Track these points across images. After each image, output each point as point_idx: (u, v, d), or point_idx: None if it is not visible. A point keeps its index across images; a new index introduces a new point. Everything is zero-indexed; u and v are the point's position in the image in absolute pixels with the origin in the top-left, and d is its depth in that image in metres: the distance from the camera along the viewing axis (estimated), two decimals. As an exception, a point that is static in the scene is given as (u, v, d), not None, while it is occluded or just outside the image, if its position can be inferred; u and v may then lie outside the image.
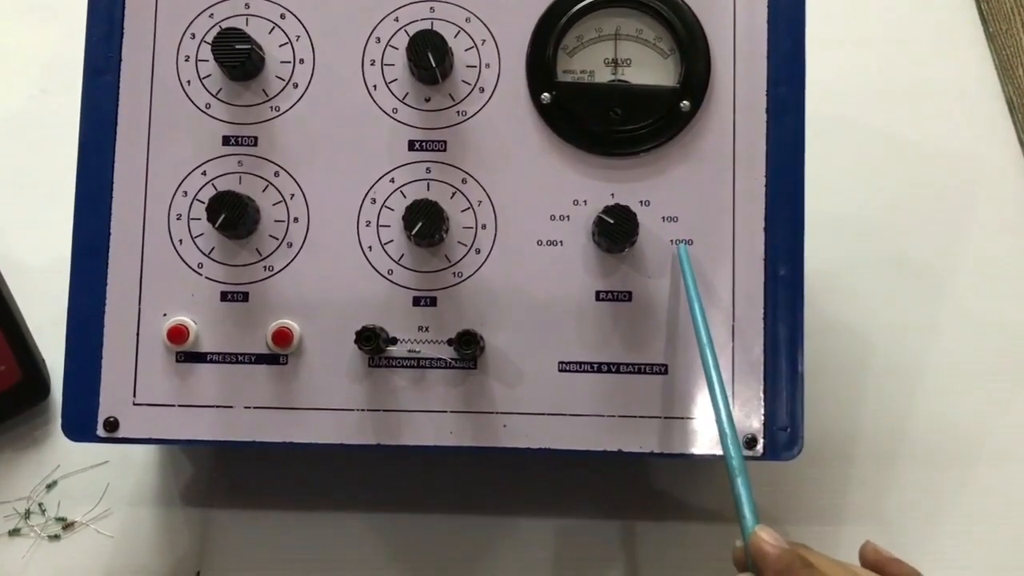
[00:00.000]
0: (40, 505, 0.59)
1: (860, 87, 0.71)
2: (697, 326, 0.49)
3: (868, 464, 0.61)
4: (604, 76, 0.55)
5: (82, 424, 0.53)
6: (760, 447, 0.52)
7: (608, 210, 0.51)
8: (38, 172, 0.71)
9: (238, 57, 0.52)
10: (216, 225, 0.51)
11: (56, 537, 0.58)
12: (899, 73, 0.72)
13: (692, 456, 0.52)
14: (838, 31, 0.71)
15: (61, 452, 0.61)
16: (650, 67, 0.55)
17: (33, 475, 0.60)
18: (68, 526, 0.59)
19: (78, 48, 0.76)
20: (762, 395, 0.52)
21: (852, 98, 0.71)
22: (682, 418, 0.53)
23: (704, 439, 0.52)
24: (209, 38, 0.54)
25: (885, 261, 0.66)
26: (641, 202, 0.53)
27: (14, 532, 0.58)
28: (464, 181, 0.54)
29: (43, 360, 0.62)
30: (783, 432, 0.52)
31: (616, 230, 0.51)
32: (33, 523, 0.59)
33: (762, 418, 0.52)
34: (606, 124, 0.53)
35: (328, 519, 0.59)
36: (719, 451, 0.52)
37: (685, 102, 0.53)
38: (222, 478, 0.60)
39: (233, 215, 0.51)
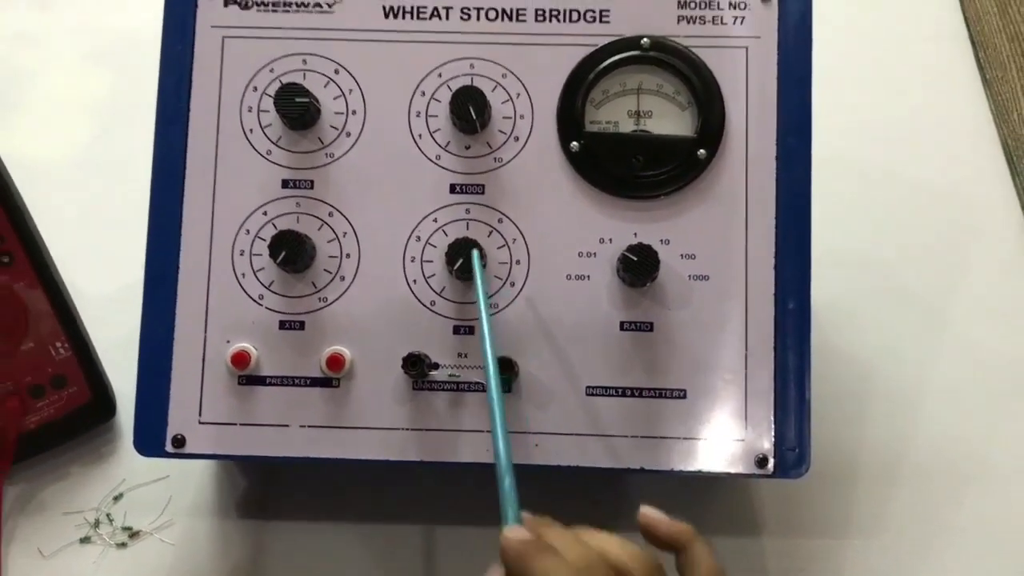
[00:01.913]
0: (108, 515, 0.64)
1: (863, 130, 0.76)
2: (483, 334, 0.51)
3: (871, 483, 0.65)
4: (627, 126, 0.60)
5: (152, 441, 0.58)
6: (771, 466, 0.57)
7: (632, 248, 0.57)
8: (102, 208, 0.77)
9: (298, 109, 0.58)
10: (277, 261, 0.56)
11: (123, 545, 0.63)
12: (900, 116, 0.78)
13: (709, 474, 0.57)
14: (843, 77, 0.76)
15: (126, 467, 0.66)
16: (670, 118, 0.60)
17: (100, 488, 0.66)
18: (134, 535, 0.64)
19: (135, 91, 0.83)
20: (772, 418, 0.57)
21: (856, 140, 0.76)
22: (699, 439, 0.57)
23: (720, 457, 0.57)
24: (270, 91, 0.60)
25: (886, 294, 0.71)
26: (661, 240, 0.58)
27: (85, 540, 0.63)
28: (500, 221, 0.59)
29: (109, 381, 0.67)
30: (792, 452, 0.57)
31: (639, 266, 0.56)
32: (102, 532, 0.64)
33: (772, 439, 0.57)
34: (629, 170, 0.59)
35: (372, 531, 0.64)
36: (734, 469, 0.57)
37: (702, 150, 0.59)
38: (274, 492, 0.65)
39: (293, 252, 0.56)
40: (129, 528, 0.64)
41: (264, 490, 0.66)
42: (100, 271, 0.73)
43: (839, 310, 0.70)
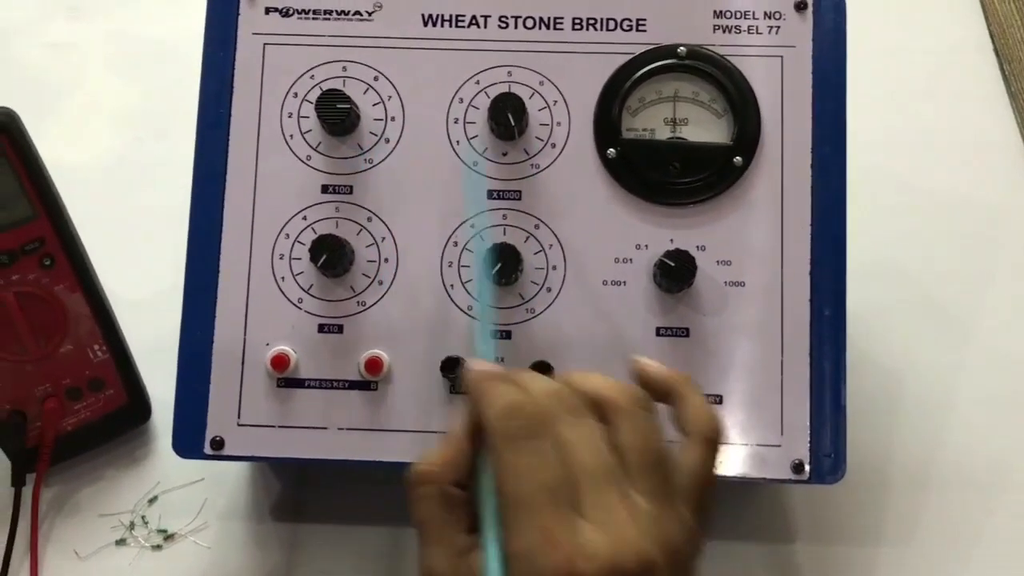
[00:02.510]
0: (143, 518, 0.65)
1: (889, 141, 0.77)
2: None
3: (902, 490, 0.66)
4: (664, 134, 0.60)
5: (191, 443, 0.58)
6: (807, 472, 0.57)
7: (669, 254, 0.57)
8: (134, 213, 0.77)
9: (339, 115, 0.58)
10: (318, 265, 0.57)
11: (159, 547, 0.64)
12: (927, 129, 0.78)
13: (745, 479, 0.57)
14: (868, 89, 0.76)
15: (160, 470, 0.66)
16: (705, 126, 0.60)
17: (136, 491, 0.66)
18: (169, 537, 0.64)
19: (166, 98, 0.84)
20: (809, 424, 0.57)
21: (882, 151, 0.76)
22: (735, 444, 0.58)
23: (756, 463, 0.57)
24: (310, 97, 0.60)
25: (914, 303, 0.72)
26: (697, 247, 0.59)
27: (120, 542, 0.64)
28: (537, 227, 0.60)
29: (144, 385, 0.68)
30: (828, 458, 0.57)
31: (677, 272, 0.57)
32: (137, 534, 0.64)
33: (808, 445, 0.57)
34: (666, 177, 0.59)
35: (406, 534, 0.64)
36: (770, 474, 0.57)
37: (738, 158, 0.59)
38: (308, 494, 0.66)
39: (333, 256, 0.57)
40: (164, 530, 0.64)
41: (298, 493, 0.66)
42: (134, 275, 0.73)
43: (868, 319, 0.70)
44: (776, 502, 0.66)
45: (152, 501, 0.65)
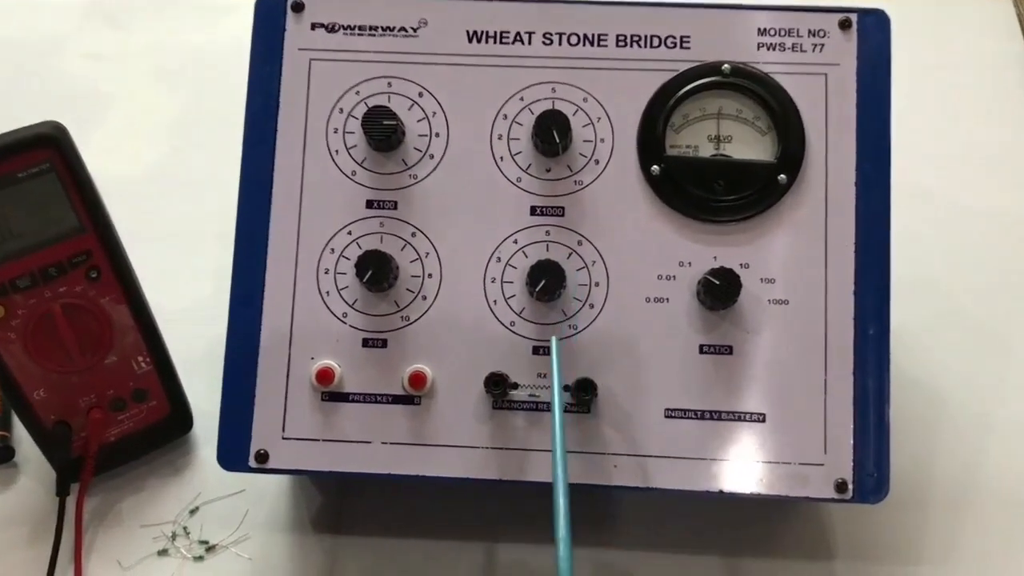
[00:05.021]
0: (185, 528, 0.65)
1: (928, 159, 0.76)
2: (554, 424, 0.52)
3: (942, 509, 0.65)
4: (707, 151, 0.60)
5: (235, 456, 0.59)
6: (850, 491, 0.57)
7: (714, 272, 0.57)
8: (175, 224, 0.78)
9: (385, 132, 0.59)
10: (363, 280, 0.57)
11: (200, 558, 0.64)
12: (970, 143, 0.78)
13: (788, 498, 0.57)
14: (914, 105, 0.76)
15: (202, 481, 0.67)
16: (749, 143, 0.60)
17: (177, 501, 0.66)
18: (211, 548, 0.64)
19: (202, 108, 0.85)
20: (852, 443, 0.57)
21: (921, 169, 0.76)
22: (778, 463, 0.58)
23: (799, 482, 0.57)
24: (356, 113, 0.61)
25: (955, 320, 0.71)
26: (741, 264, 0.59)
27: (162, 552, 0.64)
28: (580, 243, 0.60)
29: (186, 396, 0.68)
30: (871, 477, 0.57)
31: (722, 290, 0.57)
32: (179, 545, 0.65)
33: (852, 464, 0.57)
34: (709, 194, 0.59)
35: (447, 547, 0.65)
36: (813, 494, 0.57)
37: (782, 176, 0.59)
38: (349, 507, 0.66)
39: (379, 271, 0.57)
40: (206, 542, 0.64)
41: (340, 504, 0.66)
42: (176, 286, 0.74)
43: (907, 336, 0.70)
44: (813, 519, 0.65)
45: (193, 512, 0.66)
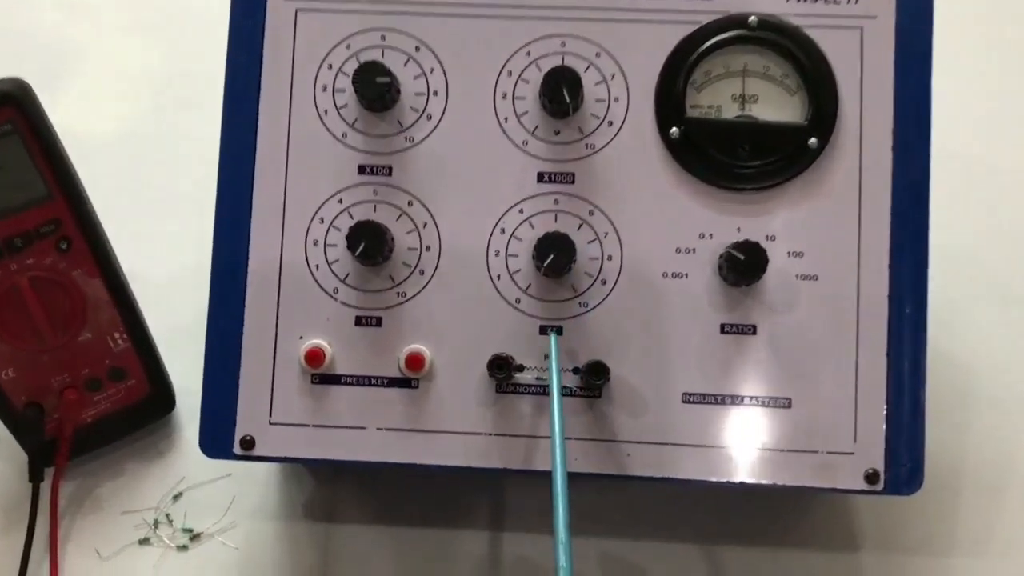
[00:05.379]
0: (167, 516, 0.61)
1: (971, 122, 0.71)
2: (553, 420, 0.49)
3: (976, 497, 0.61)
4: (731, 111, 0.55)
5: (219, 442, 0.55)
6: (882, 482, 0.53)
7: (738, 246, 0.52)
8: (156, 185, 0.73)
9: (378, 90, 0.53)
10: (355, 254, 0.53)
11: (184, 547, 0.60)
12: (1013, 111, 0.72)
13: (814, 489, 0.53)
14: (951, 67, 0.71)
15: (185, 464, 0.63)
16: (777, 103, 0.55)
17: (159, 486, 0.62)
18: (195, 537, 0.60)
19: (186, 64, 0.79)
20: (885, 431, 0.53)
21: (964, 133, 0.70)
22: (805, 451, 0.53)
23: (827, 472, 0.53)
24: (346, 69, 0.55)
25: (994, 295, 0.67)
26: (767, 236, 0.54)
27: (144, 541, 0.60)
28: (591, 213, 0.55)
29: (168, 373, 0.64)
30: (904, 468, 0.53)
31: (746, 266, 0.52)
32: (161, 533, 0.61)
33: (884, 454, 0.53)
34: (733, 159, 0.54)
35: (444, 536, 0.61)
36: (842, 484, 0.53)
37: (813, 139, 0.54)
38: (342, 493, 0.62)
39: (373, 244, 0.53)
40: (190, 530, 0.61)
41: (332, 491, 0.62)
42: (155, 254, 0.69)
43: (942, 311, 0.65)
44: (838, 506, 0.62)
45: (177, 498, 0.62)
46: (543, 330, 0.55)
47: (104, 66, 0.78)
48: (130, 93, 0.76)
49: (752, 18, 0.55)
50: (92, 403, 0.61)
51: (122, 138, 0.75)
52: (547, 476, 0.53)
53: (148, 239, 0.69)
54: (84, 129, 0.73)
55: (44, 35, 0.80)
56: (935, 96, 0.55)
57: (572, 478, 0.53)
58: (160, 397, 0.63)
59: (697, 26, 0.55)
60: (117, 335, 0.60)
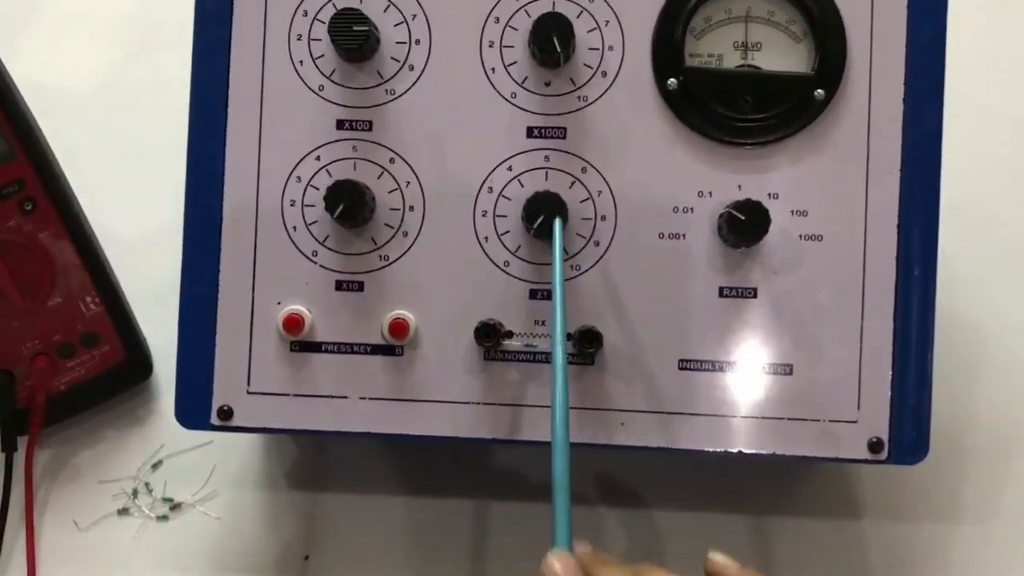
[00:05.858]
0: (147, 485, 0.59)
1: (993, 72, 0.67)
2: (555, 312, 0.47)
3: (984, 464, 0.60)
4: (733, 60, 0.52)
5: (196, 412, 0.52)
6: (886, 451, 0.51)
7: (739, 205, 0.49)
8: (128, 138, 0.69)
9: (356, 39, 0.50)
10: (334, 215, 0.50)
11: (164, 518, 0.59)
12: None
13: (817, 459, 0.51)
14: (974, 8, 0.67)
15: (165, 431, 0.61)
16: (781, 52, 0.52)
17: (138, 454, 0.60)
18: (175, 507, 0.59)
19: (158, 7, 0.75)
20: (890, 398, 0.51)
21: (984, 84, 0.67)
22: (806, 420, 0.51)
23: (829, 441, 0.51)
24: (322, 16, 0.52)
25: (1007, 250, 0.64)
26: (769, 195, 0.51)
27: (123, 511, 0.59)
28: (584, 170, 0.52)
29: (144, 338, 0.61)
30: (909, 437, 0.51)
31: (747, 227, 0.49)
32: (140, 503, 0.59)
33: (888, 422, 0.51)
34: (735, 112, 0.51)
35: (428, 504, 0.59)
36: (844, 454, 0.51)
37: (819, 91, 0.51)
38: (326, 461, 0.60)
39: (352, 205, 0.50)
40: (170, 499, 0.59)
41: (316, 458, 0.60)
42: (128, 211, 0.66)
43: (951, 267, 0.62)
44: (841, 473, 0.60)
45: (156, 466, 0.60)
46: (533, 294, 0.52)
47: (68, 10, 0.73)
48: (97, 38, 0.72)
49: (756, -41, 0.51)
50: (65, 370, 0.59)
51: (91, 89, 0.70)
52: (537, 445, 0.51)
53: (121, 196, 0.66)
54: (49, 80, 0.69)
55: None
56: (948, 42, 0.51)
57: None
58: (136, 363, 0.61)
59: (697, -32, 0.51)
60: (89, 299, 0.58)
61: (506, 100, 0.52)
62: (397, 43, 0.52)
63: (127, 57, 0.72)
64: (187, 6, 0.54)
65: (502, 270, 0.52)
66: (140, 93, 0.70)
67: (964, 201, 0.63)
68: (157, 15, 0.73)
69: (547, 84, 0.52)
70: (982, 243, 0.64)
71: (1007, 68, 0.68)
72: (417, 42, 0.52)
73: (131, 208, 0.66)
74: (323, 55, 0.52)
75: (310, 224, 0.52)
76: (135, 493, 0.59)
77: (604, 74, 0.52)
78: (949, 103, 0.52)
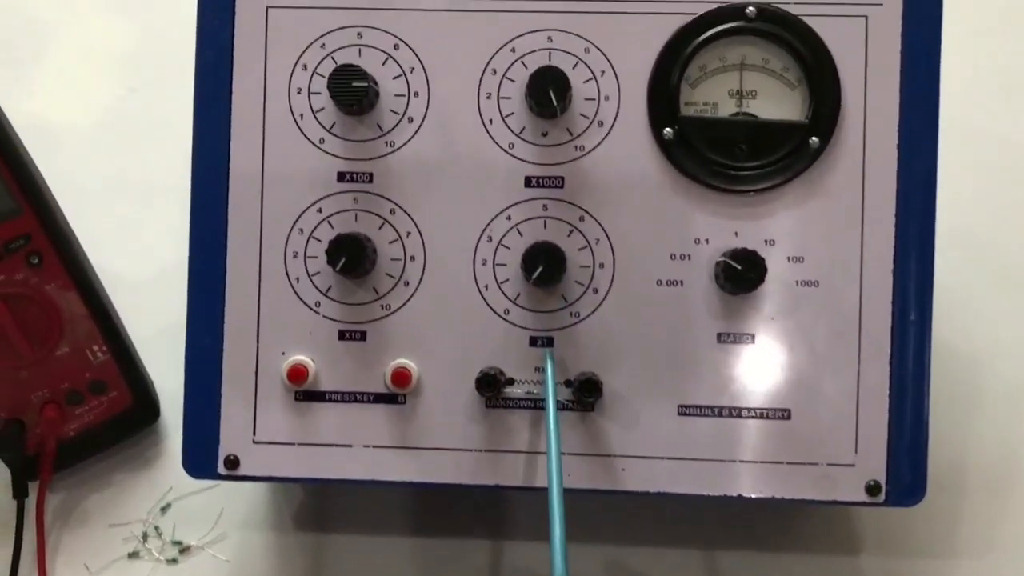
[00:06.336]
0: (156, 528, 0.60)
1: (985, 99, 0.67)
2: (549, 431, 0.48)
3: (981, 496, 0.60)
4: (728, 108, 0.53)
5: (203, 462, 0.53)
6: (883, 494, 0.51)
7: (735, 255, 0.50)
8: (131, 175, 0.69)
9: (355, 95, 0.51)
10: (337, 269, 0.50)
11: (174, 561, 0.59)
12: (1015, 88, 0.69)
13: (815, 502, 0.52)
14: (962, 33, 0.67)
15: (173, 474, 0.61)
16: (776, 99, 0.52)
17: (147, 497, 0.61)
18: (185, 549, 0.60)
19: (159, 44, 0.75)
20: (887, 442, 0.51)
21: (966, 102, 0.67)
22: (803, 464, 0.52)
23: (827, 484, 0.52)
24: (322, 70, 0.53)
25: (1003, 281, 0.64)
26: (766, 241, 0.52)
27: (133, 555, 0.60)
28: (582, 219, 0.53)
29: (151, 381, 0.62)
30: (907, 479, 0.52)
31: (743, 276, 0.50)
32: (151, 546, 0.60)
33: (885, 465, 0.52)
34: (730, 160, 0.52)
35: (435, 545, 0.60)
36: (842, 497, 0.52)
37: (814, 138, 0.51)
38: (332, 504, 0.61)
39: (354, 259, 0.50)
40: (179, 542, 0.60)
41: (322, 501, 0.61)
42: (133, 251, 0.67)
43: (945, 296, 0.63)
44: (839, 510, 0.60)
45: (165, 509, 0.61)
46: (533, 341, 0.53)
47: (72, 47, 0.73)
48: (103, 74, 0.72)
49: (750, 8, 0.52)
50: (74, 417, 0.59)
51: (96, 124, 0.71)
52: (542, 491, 0.51)
53: (127, 235, 0.67)
54: (54, 117, 0.69)
55: (9, 10, 0.76)
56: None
57: (566, 494, 0.52)
58: (143, 408, 0.61)
59: (692, 17, 0.52)
60: (96, 347, 0.59)
61: (504, 151, 0.53)
62: (396, 96, 0.53)
63: (128, 94, 0.72)
64: (186, 43, 0.54)
65: (502, 318, 0.53)
66: (140, 130, 0.70)
67: (958, 230, 0.64)
68: (164, 48, 0.72)
69: (544, 134, 0.53)
70: (977, 273, 0.64)
71: (997, 96, 0.68)
72: (416, 94, 0.53)
73: (135, 247, 0.67)
74: (323, 108, 0.53)
75: (313, 275, 0.53)
76: (145, 536, 0.60)
77: (601, 124, 0.53)
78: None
